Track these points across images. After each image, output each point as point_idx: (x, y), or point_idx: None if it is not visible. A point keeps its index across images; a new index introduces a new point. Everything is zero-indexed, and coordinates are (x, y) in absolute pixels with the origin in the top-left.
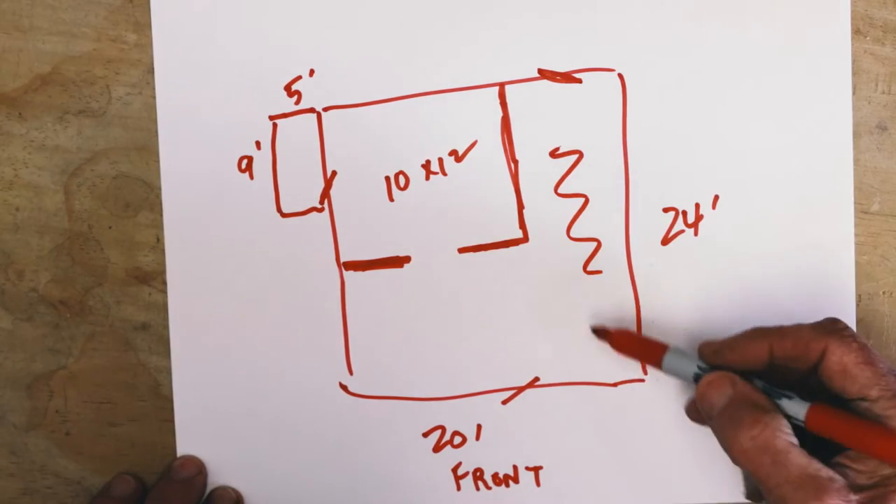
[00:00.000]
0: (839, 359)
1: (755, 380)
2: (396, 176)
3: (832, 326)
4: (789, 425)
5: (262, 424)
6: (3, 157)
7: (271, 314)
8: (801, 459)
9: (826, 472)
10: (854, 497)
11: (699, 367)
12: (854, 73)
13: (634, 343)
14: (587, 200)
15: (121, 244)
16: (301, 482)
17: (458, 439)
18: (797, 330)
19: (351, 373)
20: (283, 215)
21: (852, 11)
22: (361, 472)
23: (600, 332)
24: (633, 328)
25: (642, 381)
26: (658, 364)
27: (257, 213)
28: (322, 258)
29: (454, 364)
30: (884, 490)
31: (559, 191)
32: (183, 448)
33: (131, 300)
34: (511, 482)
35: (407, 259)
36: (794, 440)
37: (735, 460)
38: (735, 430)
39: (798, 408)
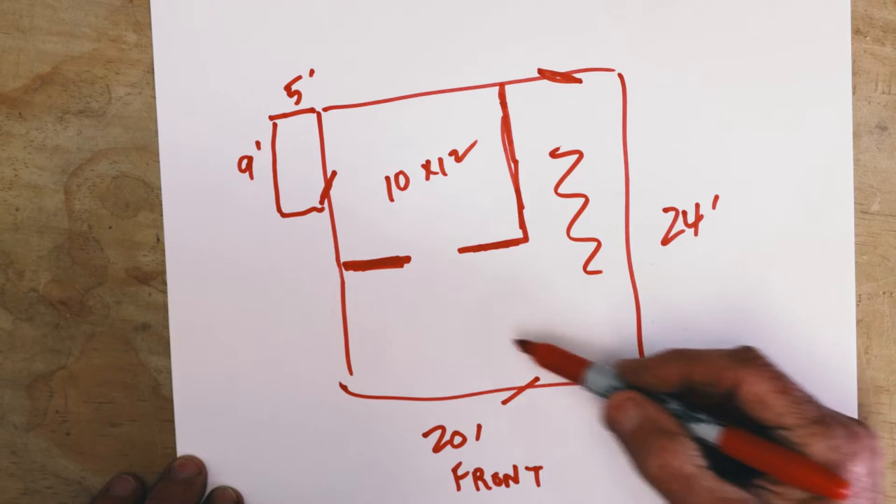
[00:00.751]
0: (753, 389)
1: (671, 402)
2: (396, 176)
3: (746, 355)
4: (698, 448)
5: (262, 424)
6: (3, 157)
7: (271, 314)
8: (710, 483)
9: (738, 493)
10: None
11: (614, 387)
12: (854, 73)
13: (557, 358)
14: (587, 200)
15: (121, 244)
16: (301, 482)
17: (458, 439)
18: (712, 357)
19: (351, 373)
20: (283, 215)
21: (852, 11)
22: (361, 472)
23: (523, 346)
24: (633, 328)
25: None
26: (579, 380)
27: (257, 213)
28: (322, 258)
29: (454, 364)
30: None
31: (559, 191)
32: (183, 448)
33: (131, 300)
34: (511, 482)
35: (407, 259)
36: (703, 463)
37: (646, 483)
38: (644, 456)
39: (712, 431)
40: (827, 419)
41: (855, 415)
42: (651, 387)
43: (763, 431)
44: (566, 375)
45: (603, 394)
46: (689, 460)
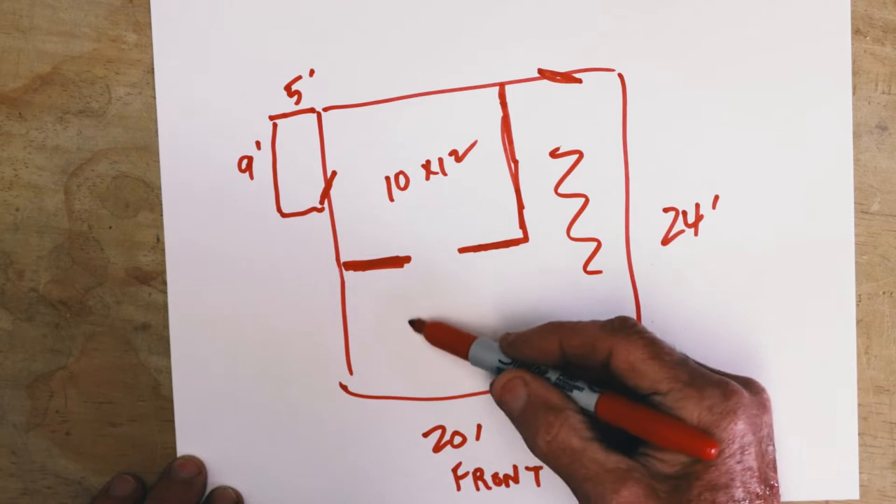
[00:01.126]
0: (625, 357)
1: (550, 372)
2: (396, 176)
3: (620, 324)
4: (585, 420)
5: (262, 424)
6: (3, 157)
7: (271, 314)
8: (597, 455)
9: (625, 463)
10: (658, 485)
11: (500, 361)
12: (854, 73)
13: (445, 334)
14: (587, 200)
15: (121, 244)
16: (301, 482)
17: (458, 439)
18: (586, 328)
19: (351, 373)
20: (283, 215)
21: (852, 11)
22: (361, 472)
23: (416, 325)
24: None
25: None
26: (466, 356)
27: (257, 213)
28: (322, 258)
29: (454, 364)
30: (687, 478)
31: (559, 191)
32: (183, 448)
33: (131, 300)
34: (511, 482)
35: (407, 259)
36: (590, 436)
37: (539, 459)
38: (532, 434)
39: (589, 398)
40: (700, 381)
41: (855, 415)
42: (532, 359)
43: (644, 400)
44: (455, 352)
45: (490, 369)
46: (575, 433)
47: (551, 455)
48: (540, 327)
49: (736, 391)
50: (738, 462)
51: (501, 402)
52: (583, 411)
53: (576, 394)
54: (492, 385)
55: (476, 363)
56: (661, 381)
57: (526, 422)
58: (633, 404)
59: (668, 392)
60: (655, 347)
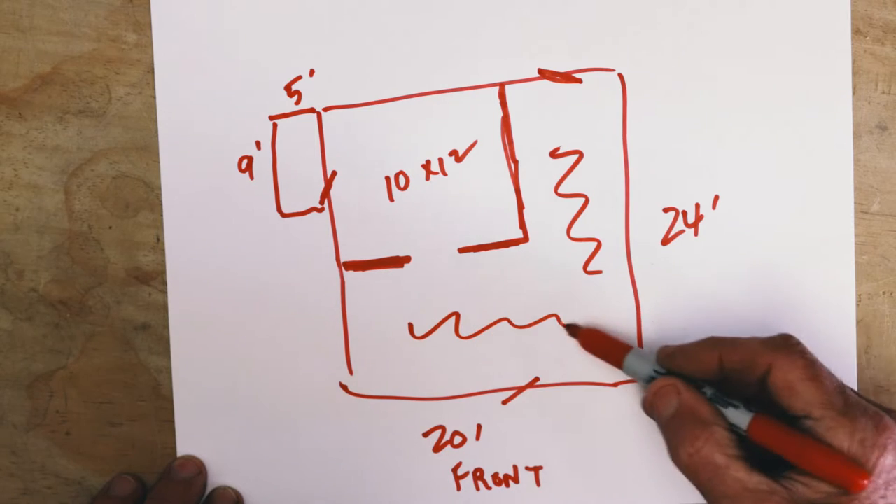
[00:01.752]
0: (784, 375)
1: (706, 387)
2: (396, 176)
3: (782, 342)
4: (732, 437)
5: (262, 424)
6: (3, 157)
7: (271, 314)
8: (739, 474)
9: (767, 484)
10: None
11: (655, 371)
12: (854, 73)
13: (601, 342)
14: (587, 200)
15: (121, 244)
16: (301, 482)
17: (458, 439)
18: (748, 343)
19: (351, 373)
20: (283, 215)
21: (852, 11)
22: (361, 472)
23: (571, 330)
24: (634, 328)
25: None
26: (620, 365)
27: (257, 213)
28: (322, 258)
29: (454, 364)
30: None
31: (559, 191)
32: (183, 448)
33: (131, 300)
34: (511, 482)
35: (407, 259)
36: (735, 453)
37: (679, 470)
38: (676, 444)
39: (743, 418)
40: (854, 410)
41: None
42: (689, 372)
43: (794, 422)
44: (608, 360)
45: (643, 378)
46: (720, 450)
47: (692, 468)
48: (700, 341)
49: (889, 426)
50: (882, 497)
51: (651, 408)
52: (730, 429)
53: (730, 411)
54: (644, 398)
55: (629, 373)
56: (816, 406)
57: (672, 430)
58: (786, 427)
59: (821, 418)
60: (815, 369)
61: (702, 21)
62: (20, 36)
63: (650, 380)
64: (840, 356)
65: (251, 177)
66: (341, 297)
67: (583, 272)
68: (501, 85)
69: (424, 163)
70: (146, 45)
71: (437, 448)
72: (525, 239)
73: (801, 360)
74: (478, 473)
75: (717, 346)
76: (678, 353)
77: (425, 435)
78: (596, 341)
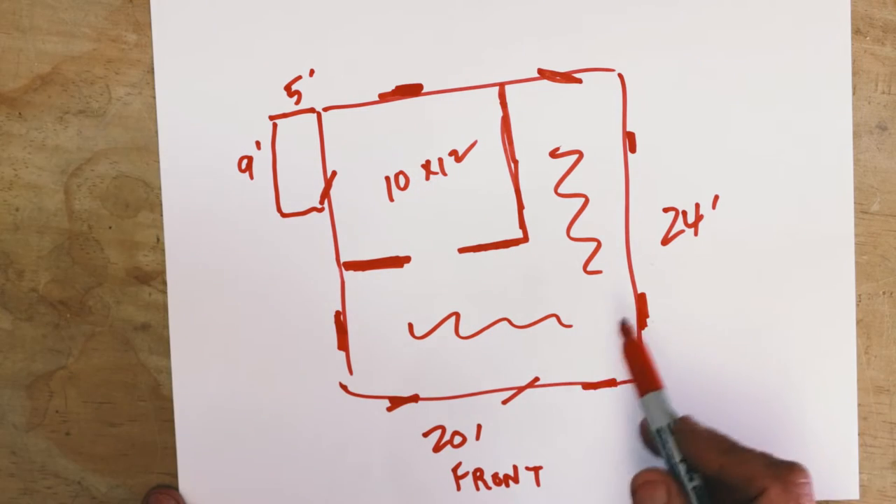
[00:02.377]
0: None
1: (696, 478)
2: (396, 176)
3: (787, 472)
4: None
5: (262, 424)
6: (3, 157)
7: (271, 314)
8: None
9: None
10: None
11: (668, 426)
12: (854, 73)
13: (641, 361)
14: (587, 200)
15: (121, 244)
16: (301, 482)
17: (458, 439)
18: (754, 461)
19: (351, 373)
20: (283, 215)
21: (852, 11)
22: (361, 472)
23: (625, 329)
24: (634, 329)
25: None
26: (641, 393)
27: (257, 213)
28: (322, 258)
29: (454, 364)
30: None
31: (559, 191)
32: (183, 448)
33: (131, 300)
34: (511, 482)
35: (407, 259)
36: None
37: None
38: None
39: None
40: None
41: (855, 415)
42: (688, 455)
43: None
44: (634, 380)
45: (652, 422)
46: None
47: None
48: (717, 438)
49: None
50: None
51: (635, 492)
52: None
53: None
54: (634, 479)
55: (644, 407)
56: None
57: None
58: None
59: None
60: None
61: (701, 21)
62: (20, 36)
63: (657, 431)
64: (840, 356)
65: (251, 177)
66: (341, 297)
67: (583, 272)
68: (501, 85)
69: (424, 163)
70: (146, 45)
71: (437, 448)
72: (525, 239)
73: (794, 499)
74: (478, 473)
75: (727, 454)
76: (692, 435)
77: (425, 435)
78: (637, 356)
